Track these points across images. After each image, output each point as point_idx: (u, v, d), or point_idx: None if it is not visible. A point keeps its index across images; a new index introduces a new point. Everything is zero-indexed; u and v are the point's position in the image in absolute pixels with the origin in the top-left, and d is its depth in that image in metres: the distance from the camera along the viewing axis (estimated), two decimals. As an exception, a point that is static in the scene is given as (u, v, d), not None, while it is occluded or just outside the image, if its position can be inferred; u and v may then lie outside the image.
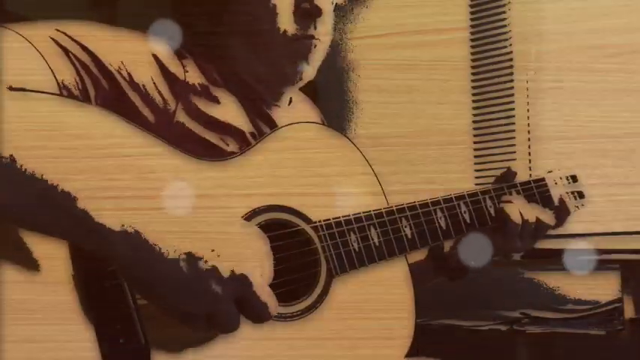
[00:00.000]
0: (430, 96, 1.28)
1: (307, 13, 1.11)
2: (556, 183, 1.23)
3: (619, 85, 1.29)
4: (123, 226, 0.93)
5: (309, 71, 1.15)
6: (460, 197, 1.15)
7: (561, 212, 1.21)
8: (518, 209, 1.17)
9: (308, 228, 1.07)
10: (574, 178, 1.24)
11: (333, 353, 1.06)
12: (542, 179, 1.22)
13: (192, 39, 1.13)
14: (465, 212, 1.15)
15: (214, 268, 0.95)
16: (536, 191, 1.21)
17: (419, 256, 1.19)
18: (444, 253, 1.20)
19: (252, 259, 0.97)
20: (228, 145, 1.09)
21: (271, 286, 1.00)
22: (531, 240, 1.19)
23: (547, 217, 1.20)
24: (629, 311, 1.32)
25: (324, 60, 1.16)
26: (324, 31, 1.14)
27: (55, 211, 0.92)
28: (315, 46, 1.13)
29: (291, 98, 1.18)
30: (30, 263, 0.97)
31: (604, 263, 1.32)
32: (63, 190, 0.92)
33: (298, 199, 1.07)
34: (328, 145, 1.11)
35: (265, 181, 1.06)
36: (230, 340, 1.01)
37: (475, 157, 1.29)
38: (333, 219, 1.08)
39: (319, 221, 1.08)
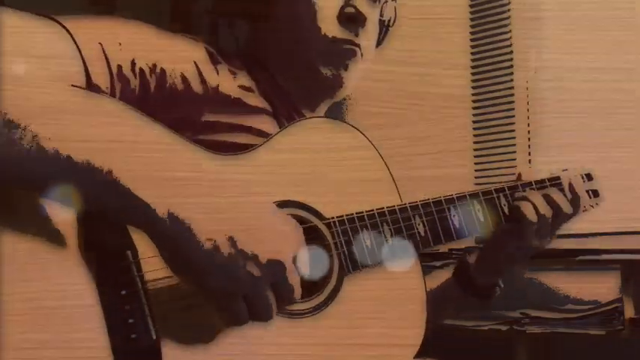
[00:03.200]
0: (431, 94, 1.28)
1: (351, 19, 1.08)
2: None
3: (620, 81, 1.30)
4: (169, 210, 0.94)
5: (349, 79, 1.12)
6: (474, 195, 1.15)
7: (574, 199, 1.19)
8: (533, 206, 1.16)
9: (321, 224, 1.07)
10: (589, 177, 1.23)
11: (345, 350, 1.06)
12: (558, 177, 1.21)
13: (230, 44, 1.12)
14: (478, 210, 1.14)
15: (253, 255, 0.96)
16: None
17: (444, 275, 1.19)
18: (469, 270, 1.20)
19: (287, 245, 0.98)
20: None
21: None
22: (550, 234, 1.17)
23: (565, 204, 1.17)
24: (629, 311, 1.32)
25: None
26: (365, 41, 1.11)
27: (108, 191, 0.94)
28: (355, 54, 1.11)
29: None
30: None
31: (604, 263, 1.32)
32: (108, 172, 0.94)
33: (312, 195, 1.07)
34: (343, 141, 1.11)
35: (279, 176, 1.06)
36: (243, 336, 1.02)
37: (475, 156, 1.30)
38: (346, 216, 1.08)
39: (332, 218, 1.08)
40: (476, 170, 1.31)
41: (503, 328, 1.33)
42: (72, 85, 0.99)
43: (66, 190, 0.96)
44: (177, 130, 1.02)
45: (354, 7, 1.08)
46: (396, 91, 1.29)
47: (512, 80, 1.31)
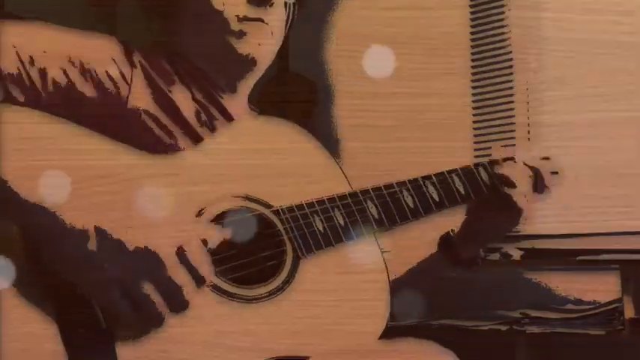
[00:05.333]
0: (428, 95, 1.28)
1: None
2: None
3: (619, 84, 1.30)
4: (38, 199, 0.95)
5: (262, 57, 1.18)
6: (427, 177, 1.17)
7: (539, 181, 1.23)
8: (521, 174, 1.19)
9: (268, 212, 1.09)
10: (546, 159, 1.25)
11: (302, 334, 1.07)
12: (512, 158, 1.23)
13: (145, 34, 1.16)
14: (432, 192, 1.16)
15: (119, 241, 0.96)
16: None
17: (431, 249, 1.20)
18: (453, 241, 1.21)
19: (170, 244, 0.99)
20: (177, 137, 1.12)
21: (235, 269, 1.02)
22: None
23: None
24: (629, 311, 1.32)
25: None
26: (275, 20, 1.18)
27: None
28: (266, 31, 1.17)
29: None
30: None
31: (604, 263, 1.32)
32: None
33: (257, 189, 1.08)
34: (286, 135, 1.14)
35: (221, 173, 1.07)
36: (200, 320, 1.02)
37: (475, 157, 1.30)
38: (295, 204, 1.10)
39: (280, 206, 1.09)
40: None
41: (503, 328, 1.33)
42: None
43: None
44: (105, 124, 1.05)
45: None
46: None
47: (511, 80, 1.31)
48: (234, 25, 1.16)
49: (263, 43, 1.17)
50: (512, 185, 1.20)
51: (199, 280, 1.01)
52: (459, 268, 1.23)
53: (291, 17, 1.21)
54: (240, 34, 1.16)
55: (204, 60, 1.18)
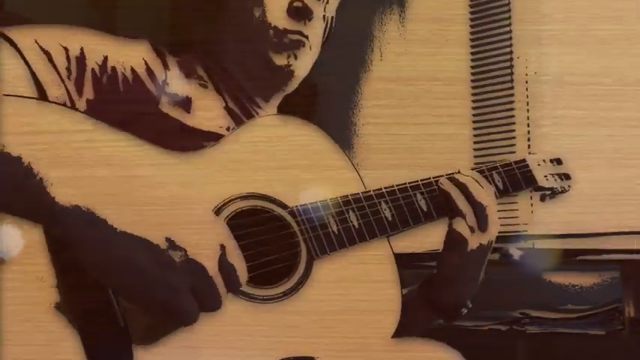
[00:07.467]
0: (429, 97, 1.28)
1: (300, 12, 1.16)
2: (539, 165, 1.23)
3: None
4: (75, 203, 0.96)
5: (299, 68, 1.18)
6: (438, 180, 1.17)
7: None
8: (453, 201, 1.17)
9: (284, 212, 1.10)
10: (558, 161, 1.25)
11: (315, 335, 1.07)
12: (524, 160, 1.23)
13: (182, 38, 1.16)
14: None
15: (167, 255, 0.97)
16: (518, 172, 1.21)
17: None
18: (433, 284, 1.20)
19: (208, 246, 1.00)
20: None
21: (249, 268, 1.03)
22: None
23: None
24: (629, 311, 1.32)
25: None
26: (313, 34, 1.18)
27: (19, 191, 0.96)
28: (304, 44, 1.17)
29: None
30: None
31: (604, 263, 1.32)
32: (29, 170, 0.96)
33: (274, 188, 1.09)
34: (303, 134, 1.14)
35: (239, 171, 1.08)
36: (213, 320, 1.02)
37: (475, 157, 1.30)
38: (310, 204, 1.10)
39: (295, 206, 1.10)
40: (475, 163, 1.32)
41: (503, 328, 1.33)
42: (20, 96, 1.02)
43: None
44: (135, 124, 1.05)
45: (302, 2, 1.17)
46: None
47: (511, 74, 1.31)
48: (274, 37, 1.16)
49: (300, 57, 1.17)
50: (458, 213, 1.17)
51: (235, 283, 1.02)
52: (439, 316, 1.22)
53: (328, 30, 1.21)
54: (279, 46, 1.17)
55: (240, 69, 1.19)
